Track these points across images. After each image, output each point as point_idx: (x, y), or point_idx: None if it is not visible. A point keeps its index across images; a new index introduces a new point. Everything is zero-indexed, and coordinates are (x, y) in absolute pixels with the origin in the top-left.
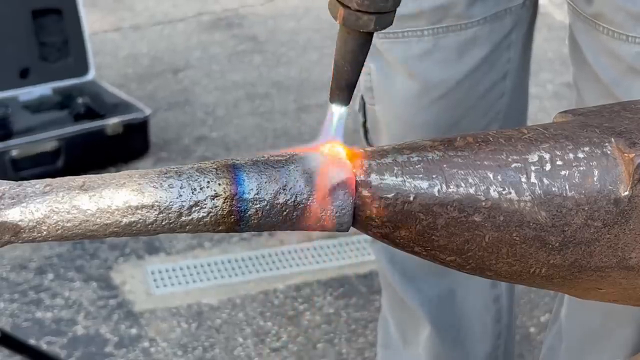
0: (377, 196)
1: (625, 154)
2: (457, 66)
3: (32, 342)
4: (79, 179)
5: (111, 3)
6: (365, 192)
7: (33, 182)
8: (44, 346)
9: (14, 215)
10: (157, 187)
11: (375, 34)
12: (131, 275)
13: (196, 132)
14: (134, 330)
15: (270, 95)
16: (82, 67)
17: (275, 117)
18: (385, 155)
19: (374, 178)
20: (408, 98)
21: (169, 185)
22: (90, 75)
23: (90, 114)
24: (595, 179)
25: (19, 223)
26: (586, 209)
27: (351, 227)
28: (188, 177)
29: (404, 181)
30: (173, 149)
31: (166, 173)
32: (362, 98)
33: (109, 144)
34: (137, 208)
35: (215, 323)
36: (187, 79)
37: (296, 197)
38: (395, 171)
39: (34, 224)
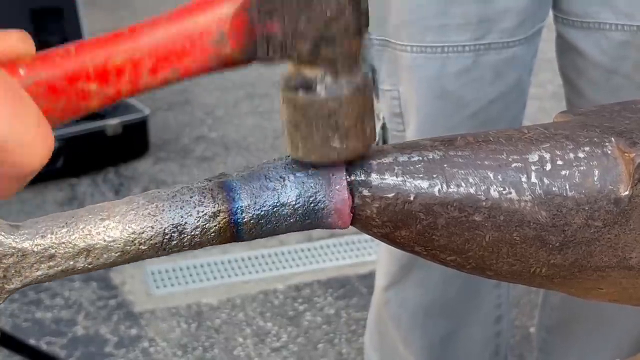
0: (378, 196)
1: (626, 154)
2: (492, 86)
3: (32, 342)
4: (80, 243)
5: (111, 2)
6: (365, 192)
7: (32, 230)
8: (43, 346)
9: (15, 285)
10: (159, 247)
11: (409, 48)
12: (131, 275)
13: (195, 131)
14: (133, 331)
15: (270, 95)
16: None
17: (275, 117)
18: (386, 154)
19: (374, 178)
20: (438, 118)
21: (169, 239)
22: None
23: (90, 114)
24: (595, 178)
25: (21, 288)
26: (586, 208)
27: (351, 227)
28: (192, 232)
29: (405, 181)
30: (172, 149)
31: (171, 236)
32: (382, 130)
33: (108, 144)
34: (136, 259)
35: (215, 323)
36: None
37: (292, 211)
38: (395, 171)
39: (34, 284)
